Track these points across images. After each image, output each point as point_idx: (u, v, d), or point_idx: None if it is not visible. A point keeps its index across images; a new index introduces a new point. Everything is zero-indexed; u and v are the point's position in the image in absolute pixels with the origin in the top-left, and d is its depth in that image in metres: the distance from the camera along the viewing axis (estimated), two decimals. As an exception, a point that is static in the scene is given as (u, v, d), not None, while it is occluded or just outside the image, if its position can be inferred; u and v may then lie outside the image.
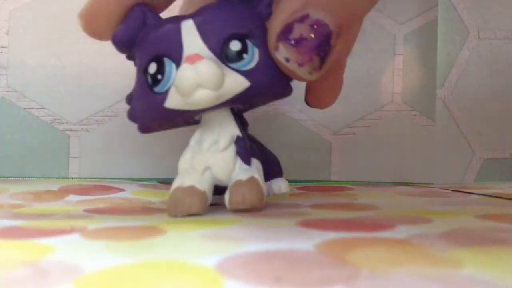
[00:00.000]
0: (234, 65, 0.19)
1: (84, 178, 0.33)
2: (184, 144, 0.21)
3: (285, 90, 0.21)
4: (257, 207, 0.20)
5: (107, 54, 0.33)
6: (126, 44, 0.20)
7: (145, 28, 0.20)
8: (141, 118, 0.20)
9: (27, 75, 0.33)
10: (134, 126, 0.34)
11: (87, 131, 0.33)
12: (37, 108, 0.33)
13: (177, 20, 0.20)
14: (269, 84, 0.20)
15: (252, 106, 0.22)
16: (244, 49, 0.19)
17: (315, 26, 0.18)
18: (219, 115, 0.20)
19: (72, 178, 0.33)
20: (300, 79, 0.20)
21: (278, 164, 0.24)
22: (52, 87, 0.33)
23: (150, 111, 0.20)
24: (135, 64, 0.21)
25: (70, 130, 0.33)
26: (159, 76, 0.19)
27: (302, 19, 0.18)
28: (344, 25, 0.19)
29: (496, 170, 0.38)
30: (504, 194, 0.28)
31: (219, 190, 0.21)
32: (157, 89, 0.19)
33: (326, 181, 0.35)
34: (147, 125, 0.21)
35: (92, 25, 0.20)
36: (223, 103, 0.19)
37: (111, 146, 0.33)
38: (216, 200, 0.21)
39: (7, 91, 0.32)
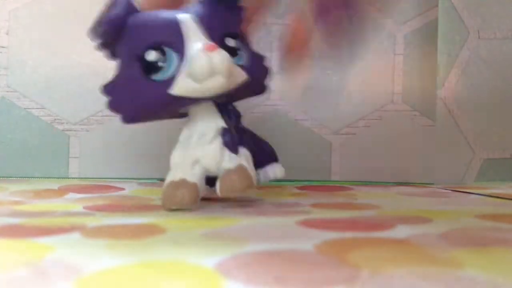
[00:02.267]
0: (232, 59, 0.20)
1: (84, 178, 0.33)
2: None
3: (264, 88, 0.23)
4: (247, 193, 0.21)
5: (107, 54, 0.33)
6: (116, 32, 0.20)
7: (134, 17, 0.20)
8: (128, 107, 0.21)
9: (27, 75, 0.33)
10: (134, 126, 0.34)
11: (87, 131, 0.33)
12: (37, 108, 0.33)
13: (169, 13, 0.20)
14: (257, 80, 0.22)
15: (231, 100, 0.23)
16: (238, 47, 0.21)
17: None
18: (205, 109, 0.21)
19: (72, 178, 0.33)
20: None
21: (271, 150, 0.25)
22: (52, 87, 0.33)
23: (144, 99, 0.20)
24: (112, 54, 0.21)
25: (70, 130, 0.33)
26: (160, 64, 0.20)
27: None
28: None
29: (496, 170, 0.38)
30: (504, 194, 0.28)
31: (210, 182, 0.21)
32: (156, 77, 0.20)
33: (326, 181, 0.35)
34: (133, 114, 0.21)
35: None
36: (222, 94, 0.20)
37: (111, 146, 0.33)
38: (209, 194, 0.22)
39: (7, 91, 0.32)
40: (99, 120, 0.33)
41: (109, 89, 0.21)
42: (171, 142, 0.34)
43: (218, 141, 0.21)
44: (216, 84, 0.19)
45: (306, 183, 0.33)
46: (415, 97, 0.35)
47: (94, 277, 0.11)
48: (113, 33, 0.20)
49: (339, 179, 0.35)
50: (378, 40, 0.35)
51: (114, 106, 0.21)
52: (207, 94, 0.20)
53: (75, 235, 0.15)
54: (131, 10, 0.20)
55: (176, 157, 0.21)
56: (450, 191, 0.30)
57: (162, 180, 0.33)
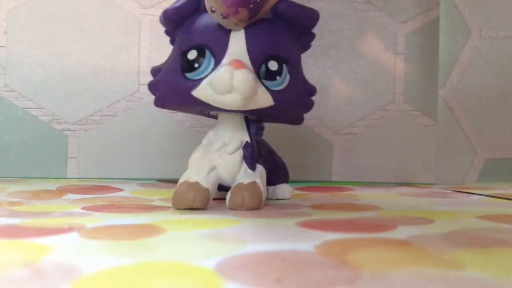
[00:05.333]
0: (266, 82, 0.20)
1: (83, 178, 0.33)
2: (182, 145, 0.22)
3: (298, 119, 0.23)
4: (255, 209, 0.21)
5: (105, 54, 0.33)
6: (174, 22, 0.21)
7: (197, 14, 0.21)
8: (162, 92, 0.22)
9: (25, 74, 0.32)
10: (132, 126, 0.34)
11: (86, 131, 0.33)
12: (35, 108, 0.33)
13: None
14: (289, 109, 0.21)
15: (262, 120, 0.24)
16: (279, 71, 0.20)
17: None
18: (233, 120, 0.22)
19: (70, 178, 0.33)
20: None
21: (285, 170, 0.26)
22: (50, 87, 0.33)
23: (174, 91, 0.21)
24: (173, 42, 0.22)
25: (68, 130, 0.33)
26: (196, 65, 0.20)
27: None
28: None
29: (498, 170, 0.38)
30: (506, 194, 0.28)
31: (225, 186, 0.22)
32: (189, 75, 0.20)
33: (327, 182, 0.34)
34: (164, 101, 0.22)
35: None
36: (245, 111, 0.20)
37: (109, 146, 0.33)
38: (221, 196, 0.22)
39: (5, 91, 0.32)
40: (97, 120, 0.33)
41: (155, 71, 0.22)
42: (170, 143, 0.34)
43: (239, 154, 0.21)
44: (232, 101, 0.20)
45: (306, 183, 0.33)
46: (416, 97, 0.35)
47: (92, 278, 0.11)
48: (171, 24, 0.22)
49: (339, 179, 0.35)
50: (379, 39, 0.35)
51: (151, 87, 0.22)
52: (222, 107, 0.20)
53: (73, 235, 0.15)
54: (197, 7, 0.21)
55: (195, 159, 0.22)
56: (451, 191, 0.30)
57: (161, 180, 0.33)
